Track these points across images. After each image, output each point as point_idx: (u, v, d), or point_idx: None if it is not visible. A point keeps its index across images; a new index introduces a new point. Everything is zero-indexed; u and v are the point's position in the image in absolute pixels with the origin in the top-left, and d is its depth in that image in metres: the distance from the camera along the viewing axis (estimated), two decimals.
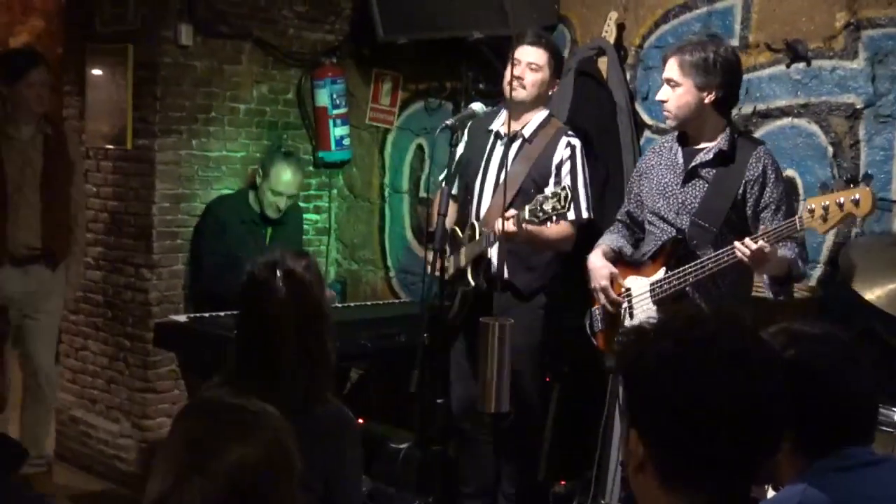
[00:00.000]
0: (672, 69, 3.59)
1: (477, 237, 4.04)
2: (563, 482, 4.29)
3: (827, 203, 3.20)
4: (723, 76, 3.60)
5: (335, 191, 6.01)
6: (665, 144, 3.85)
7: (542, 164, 4.09)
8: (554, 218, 3.69)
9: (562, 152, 4.09)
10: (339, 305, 5.38)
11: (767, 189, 3.57)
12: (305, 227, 5.85)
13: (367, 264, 5.94)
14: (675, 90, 3.60)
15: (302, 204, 5.80)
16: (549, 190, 3.70)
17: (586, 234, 4.17)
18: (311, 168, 5.86)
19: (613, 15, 4.69)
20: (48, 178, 4.64)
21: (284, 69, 5.64)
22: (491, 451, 4.19)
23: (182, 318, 4.68)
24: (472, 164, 4.25)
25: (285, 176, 5.07)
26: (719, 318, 1.59)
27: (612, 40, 4.67)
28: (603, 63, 4.64)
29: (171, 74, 5.12)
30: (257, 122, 5.55)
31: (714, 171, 3.62)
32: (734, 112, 4.32)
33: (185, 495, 1.46)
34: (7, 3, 6.94)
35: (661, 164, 3.79)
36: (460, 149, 4.31)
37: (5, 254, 4.58)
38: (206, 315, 4.58)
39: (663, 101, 3.64)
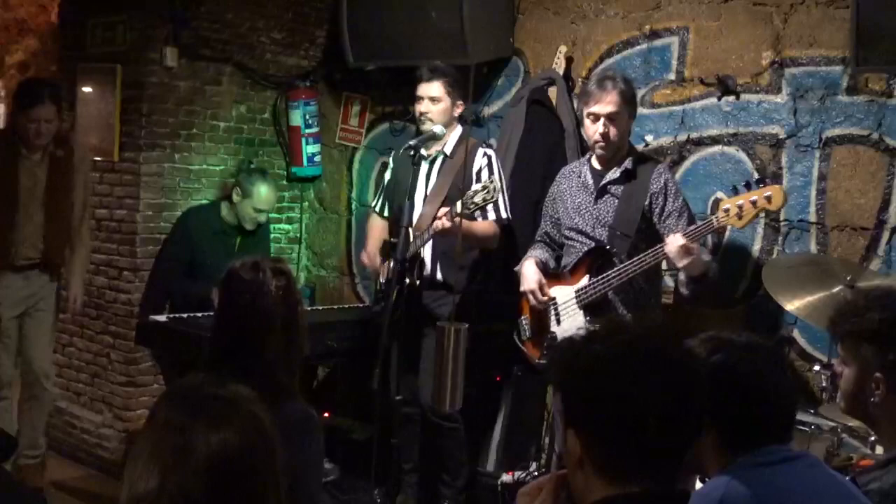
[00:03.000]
0: (613, 104, 3.66)
1: (411, 241, 4.08)
2: (510, 473, 4.28)
3: (741, 202, 3.32)
4: (635, 105, 3.81)
5: (306, 203, 5.98)
6: (573, 170, 3.98)
7: (463, 174, 4.15)
8: (488, 208, 3.95)
9: (480, 161, 4.20)
10: (308, 308, 5.34)
11: (670, 199, 3.71)
12: (278, 235, 5.82)
13: (335, 271, 5.91)
14: (615, 122, 3.68)
15: (275, 215, 5.77)
16: (476, 186, 3.80)
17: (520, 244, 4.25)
18: (284, 182, 5.83)
19: (563, 49, 4.72)
20: (51, 195, 4.52)
21: (262, 91, 5.61)
22: (426, 431, 4.31)
23: (162, 317, 4.63)
24: (401, 185, 4.32)
25: (267, 195, 5.02)
26: (639, 325, 1.65)
27: (561, 72, 4.70)
28: (553, 92, 4.67)
29: (157, 93, 5.07)
30: (235, 138, 5.51)
31: (622, 187, 3.75)
32: (670, 139, 4.40)
33: (167, 486, 1.38)
34: (4, 23, 6.84)
35: (572, 187, 3.92)
36: (388, 175, 4.44)
37: (6, 263, 4.47)
38: (185, 315, 4.54)
39: (603, 134, 3.68)
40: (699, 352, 1.92)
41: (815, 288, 3.61)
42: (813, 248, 4.02)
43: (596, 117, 3.68)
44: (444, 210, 3.88)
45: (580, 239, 3.83)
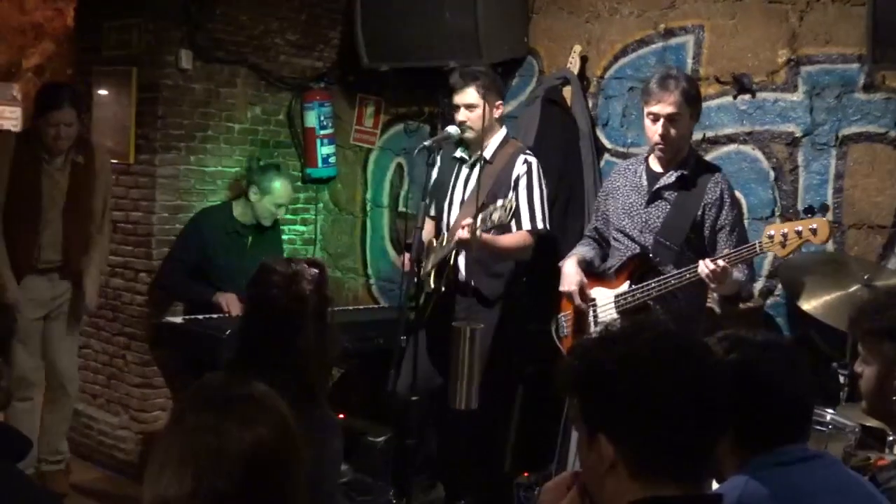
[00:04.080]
0: (674, 104, 3.51)
1: (442, 246, 4.06)
2: (526, 473, 4.28)
3: (786, 231, 3.20)
4: (699, 105, 3.63)
5: (321, 204, 5.99)
6: (630, 167, 3.82)
7: (501, 180, 4.10)
8: (522, 218, 3.92)
9: (519, 168, 4.09)
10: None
11: (724, 212, 3.57)
12: (293, 237, 5.84)
13: (350, 272, 5.92)
14: (676, 123, 3.54)
15: (290, 216, 5.79)
16: (498, 202, 3.66)
17: (548, 248, 4.19)
18: (299, 183, 5.84)
19: (577, 48, 4.71)
20: (71, 202, 4.54)
21: (276, 92, 5.62)
22: (444, 432, 4.28)
23: (178, 319, 4.64)
24: (443, 187, 4.28)
25: (285, 189, 5.04)
26: (656, 325, 1.63)
27: (575, 71, 4.68)
28: (567, 92, 4.66)
29: (172, 96, 5.09)
30: (251, 140, 5.52)
31: (676, 193, 3.61)
32: None
33: (201, 489, 1.37)
34: (20, 26, 6.88)
35: (626, 185, 3.77)
36: (434, 173, 4.37)
37: (29, 265, 4.48)
38: (201, 317, 4.55)
39: (663, 135, 3.54)
40: (716, 350, 1.91)
41: (832, 287, 3.59)
42: (830, 246, 3.98)
43: (656, 117, 3.53)
44: (467, 220, 3.78)
45: (626, 242, 3.71)
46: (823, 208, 3.33)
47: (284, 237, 5.69)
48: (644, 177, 3.70)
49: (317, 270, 2.54)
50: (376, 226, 5.78)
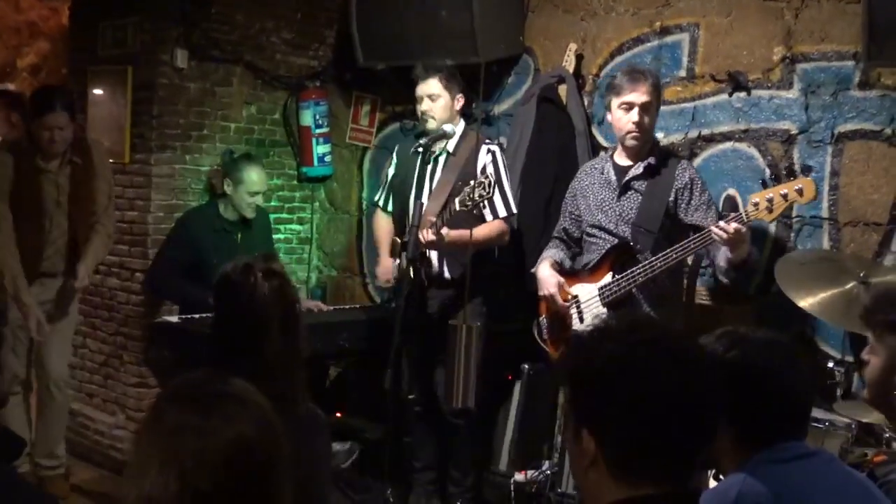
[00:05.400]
0: (647, 94, 3.64)
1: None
2: (523, 472, 4.27)
3: (771, 195, 3.27)
4: (661, 98, 3.79)
5: (317, 203, 5.98)
6: (595, 166, 3.95)
7: (467, 171, 4.16)
8: (497, 205, 4.04)
9: (484, 158, 4.18)
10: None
11: (696, 194, 3.68)
12: (289, 236, 5.82)
13: (346, 271, 5.91)
14: (648, 111, 3.67)
15: (286, 215, 5.78)
16: (474, 181, 3.75)
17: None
18: (295, 182, 5.83)
19: (573, 46, 4.70)
20: (74, 203, 4.52)
21: (272, 91, 5.61)
22: (438, 430, 4.30)
23: (174, 318, 4.62)
24: (406, 182, 4.32)
25: (257, 176, 4.90)
26: (654, 323, 1.64)
27: (571, 69, 4.68)
28: (563, 90, 4.65)
29: (168, 95, 5.08)
30: (246, 139, 5.50)
31: (645, 182, 3.72)
32: (681, 136, 4.38)
33: (186, 489, 1.35)
34: (15, 26, 6.87)
35: (594, 183, 3.88)
36: (391, 171, 4.42)
37: (35, 272, 4.47)
38: (197, 316, 4.53)
39: (638, 123, 3.65)
40: (716, 348, 1.91)
41: (829, 284, 3.59)
42: (826, 244, 3.99)
43: (630, 106, 3.65)
44: (431, 219, 3.87)
45: (602, 236, 3.79)
46: (806, 169, 3.37)
47: (280, 236, 5.68)
48: (612, 172, 3.82)
49: (276, 281, 2.47)
50: (371, 223, 5.76)
